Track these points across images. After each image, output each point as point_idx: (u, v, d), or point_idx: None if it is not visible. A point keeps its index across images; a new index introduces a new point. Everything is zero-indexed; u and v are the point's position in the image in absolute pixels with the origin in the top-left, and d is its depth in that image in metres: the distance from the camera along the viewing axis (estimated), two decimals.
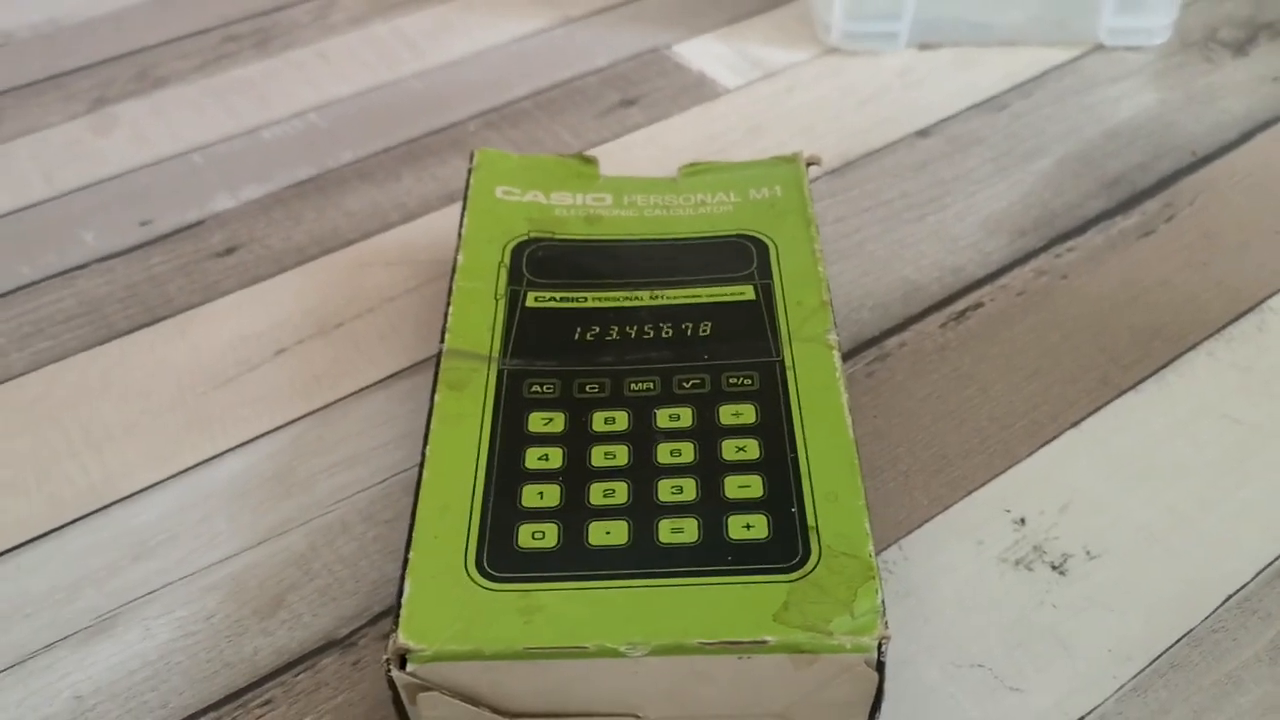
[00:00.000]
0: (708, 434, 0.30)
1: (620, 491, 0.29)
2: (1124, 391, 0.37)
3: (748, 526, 0.28)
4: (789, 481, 0.29)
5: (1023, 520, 0.34)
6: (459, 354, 0.32)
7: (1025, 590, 0.32)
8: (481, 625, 0.26)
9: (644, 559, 0.27)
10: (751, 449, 0.30)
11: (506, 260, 0.35)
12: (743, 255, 0.36)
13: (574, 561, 0.27)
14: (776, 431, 0.30)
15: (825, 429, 0.30)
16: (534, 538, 0.28)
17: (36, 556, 0.33)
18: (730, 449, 0.30)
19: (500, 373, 0.32)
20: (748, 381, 0.31)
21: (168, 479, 0.35)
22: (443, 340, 0.33)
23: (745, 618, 0.26)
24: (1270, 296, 0.40)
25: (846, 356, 0.38)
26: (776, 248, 0.36)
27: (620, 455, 0.30)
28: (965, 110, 0.49)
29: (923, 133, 0.47)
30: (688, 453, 0.30)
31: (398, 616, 0.26)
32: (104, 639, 0.31)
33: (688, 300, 0.34)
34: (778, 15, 0.54)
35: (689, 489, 0.29)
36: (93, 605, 0.32)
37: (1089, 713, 0.29)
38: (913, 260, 0.42)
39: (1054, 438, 0.36)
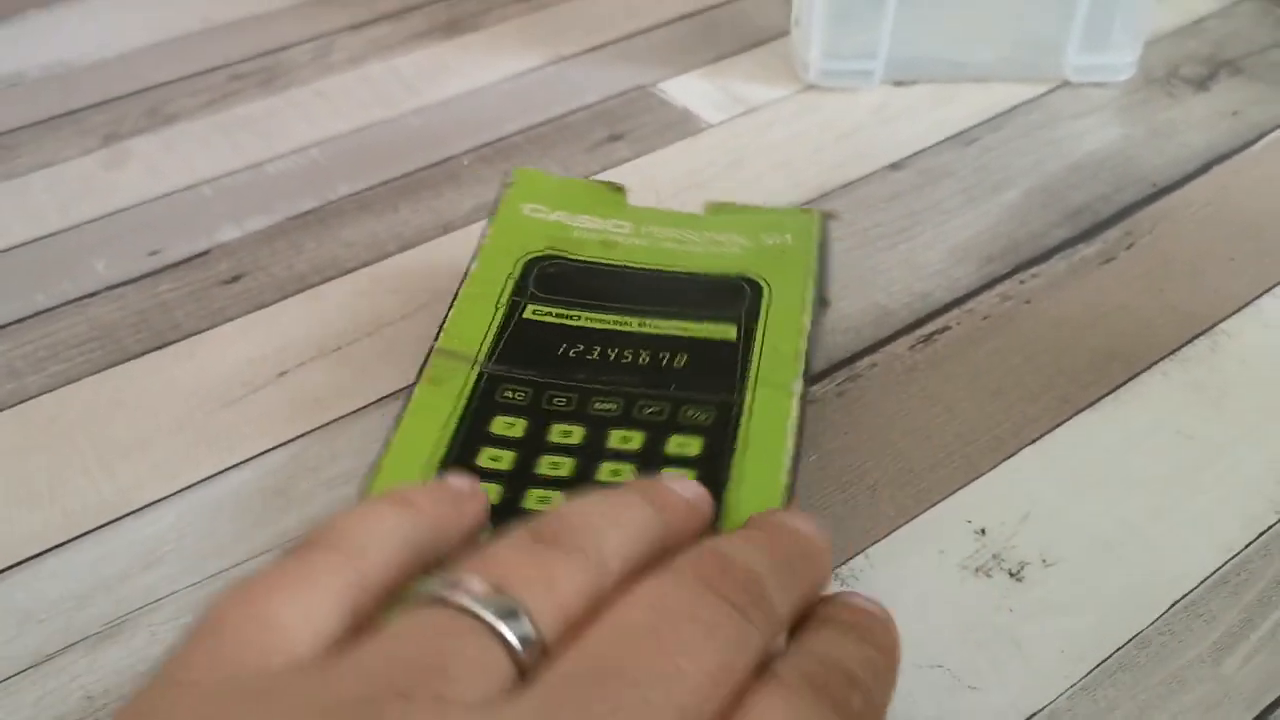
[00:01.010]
0: (651, 460, 0.32)
1: (555, 501, 0.30)
2: (1082, 409, 0.39)
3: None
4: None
5: (983, 530, 0.35)
6: (447, 353, 0.35)
7: (984, 595, 0.34)
8: None
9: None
10: (694, 446, 0.32)
11: (517, 272, 0.38)
12: (737, 296, 0.37)
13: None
14: (715, 468, 0.31)
15: (760, 473, 0.31)
16: None
17: (51, 566, 0.35)
18: (674, 444, 0.32)
19: (481, 375, 0.34)
20: (702, 417, 0.33)
21: (176, 493, 0.37)
22: (436, 339, 0.35)
23: None
24: (1222, 320, 0.42)
25: (819, 377, 0.40)
26: (771, 293, 0.37)
27: (565, 467, 0.32)
28: (936, 144, 0.51)
29: (895, 165, 0.50)
30: (626, 474, 0.32)
31: None
32: (113, 643, 0.33)
33: (672, 331, 0.36)
34: (759, 54, 0.56)
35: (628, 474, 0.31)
36: (103, 612, 0.34)
37: (1041, 709, 0.31)
38: (884, 286, 0.44)
39: (1015, 453, 0.38)
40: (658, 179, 0.49)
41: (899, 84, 0.54)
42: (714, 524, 0.29)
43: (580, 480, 0.31)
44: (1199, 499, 0.36)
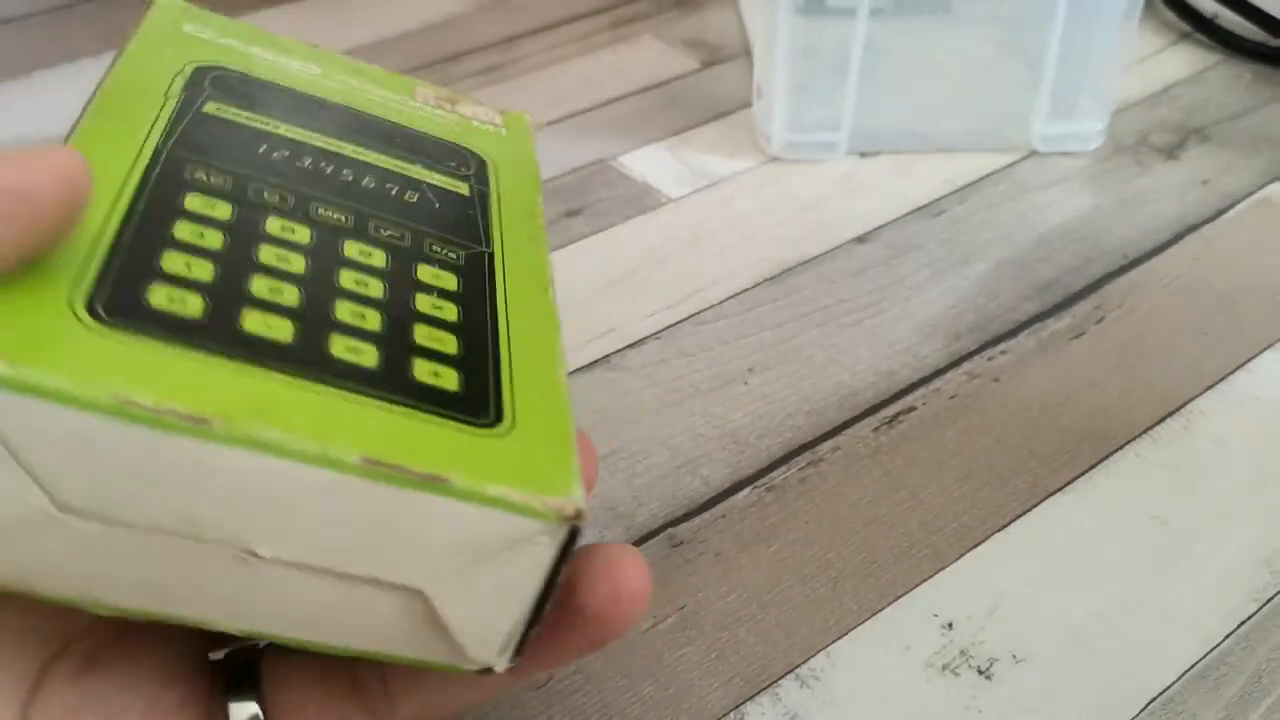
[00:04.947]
0: (402, 281, 0.26)
1: (289, 294, 0.24)
2: (1052, 493, 0.38)
3: (436, 374, 0.24)
4: (486, 347, 0.25)
5: (950, 624, 0.34)
6: (99, 135, 0.26)
7: (952, 696, 0.32)
8: (72, 356, 0.20)
9: (311, 362, 0.22)
10: (449, 311, 0.26)
11: (184, 74, 0.29)
12: (462, 161, 0.31)
13: (219, 339, 0.22)
14: (478, 301, 0.26)
15: (529, 308, 0.27)
16: (171, 300, 0.22)
17: None
18: (425, 303, 0.26)
19: (157, 152, 0.26)
20: (451, 256, 0.27)
21: None
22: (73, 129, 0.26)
23: (425, 451, 0.22)
24: (1196, 397, 0.41)
25: (779, 462, 0.39)
26: (498, 171, 0.32)
27: (295, 262, 0.25)
28: (902, 216, 0.50)
29: (861, 239, 0.49)
30: (375, 288, 0.25)
31: None
32: None
33: (397, 168, 0.29)
34: (721, 126, 0.55)
35: (372, 320, 0.24)
36: None
37: None
38: (848, 365, 0.42)
39: (982, 541, 0.36)
40: (617, 255, 0.48)
41: (864, 155, 0.53)
42: (494, 359, 0.25)
43: (319, 279, 0.25)
44: (1175, 588, 0.35)
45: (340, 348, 0.23)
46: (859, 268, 0.47)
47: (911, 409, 0.40)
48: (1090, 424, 0.40)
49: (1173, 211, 0.50)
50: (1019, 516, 0.37)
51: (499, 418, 0.23)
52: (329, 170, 0.28)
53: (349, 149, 0.29)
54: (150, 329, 0.21)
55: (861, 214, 0.50)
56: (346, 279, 0.25)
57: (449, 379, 0.24)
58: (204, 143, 0.27)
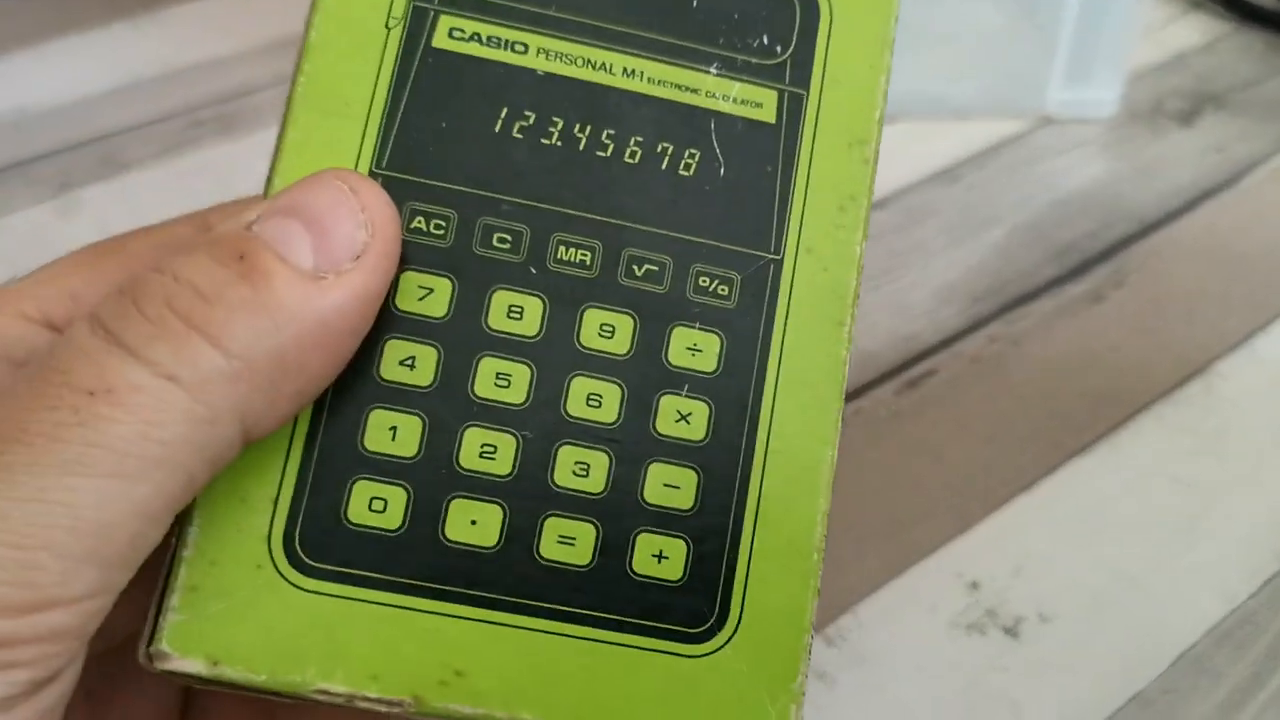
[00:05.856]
0: (647, 377, 0.21)
1: (504, 453, 0.20)
2: (1075, 455, 0.37)
3: (660, 554, 0.20)
4: (731, 489, 0.20)
5: (976, 584, 0.34)
6: (312, 132, 0.21)
7: (978, 654, 0.32)
8: (268, 633, 0.19)
9: (513, 579, 0.20)
10: (697, 420, 0.21)
11: None
12: (777, 26, 0.22)
13: (418, 565, 0.20)
14: (740, 384, 0.21)
15: (810, 377, 0.21)
16: (372, 508, 0.20)
17: None
18: (669, 414, 0.20)
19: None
20: (722, 290, 0.21)
21: None
22: (289, 109, 0.22)
23: (619, 704, 0.20)
24: (1216, 359, 0.41)
25: None
26: (832, 19, 0.23)
27: (518, 382, 0.20)
28: (919, 182, 0.49)
29: (878, 204, 0.48)
30: (610, 402, 0.20)
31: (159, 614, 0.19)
32: None
33: (680, 95, 0.22)
34: None
35: (598, 472, 0.20)
36: None
37: None
38: (867, 330, 0.42)
39: (1006, 502, 0.36)
40: None
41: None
42: (737, 511, 0.20)
43: (542, 410, 0.20)
44: (1198, 548, 0.35)
45: (551, 540, 0.20)
46: (876, 233, 0.47)
47: (932, 372, 0.40)
48: (1112, 386, 0.40)
49: (1188, 178, 0.50)
50: (1042, 477, 0.37)
51: (723, 615, 0.20)
52: (583, 143, 0.21)
53: (618, 67, 0.22)
54: (348, 565, 0.20)
55: (878, 179, 0.49)
56: (577, 397, 0.20)
57: (674, 558, 0.20)
58: (428, 136, 0.21)
